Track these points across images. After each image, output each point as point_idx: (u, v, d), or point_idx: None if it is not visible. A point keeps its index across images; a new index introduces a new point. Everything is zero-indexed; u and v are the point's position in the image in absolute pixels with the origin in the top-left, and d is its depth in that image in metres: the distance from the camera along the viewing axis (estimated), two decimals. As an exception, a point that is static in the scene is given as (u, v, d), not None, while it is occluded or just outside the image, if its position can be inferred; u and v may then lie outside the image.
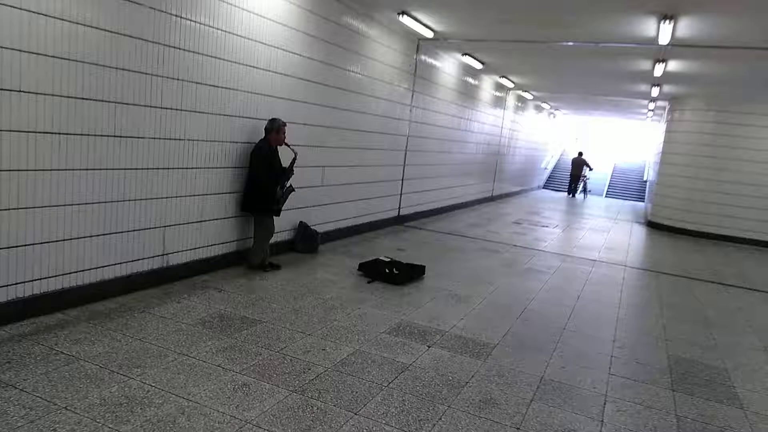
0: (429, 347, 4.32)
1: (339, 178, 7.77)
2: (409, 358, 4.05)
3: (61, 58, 3.82)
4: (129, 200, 4.55)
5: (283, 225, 6.68)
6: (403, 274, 6.10)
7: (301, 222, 6.97)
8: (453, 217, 11.95)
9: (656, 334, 5.31)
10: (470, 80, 12.42)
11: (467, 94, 12.40)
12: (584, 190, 21.82)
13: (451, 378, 3.80)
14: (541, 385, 3.83)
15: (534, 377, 3.96)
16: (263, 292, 5.25)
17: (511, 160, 17.70)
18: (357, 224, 8.46)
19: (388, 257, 6.64)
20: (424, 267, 6.50)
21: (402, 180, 9.84)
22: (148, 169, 4.68)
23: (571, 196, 21.19)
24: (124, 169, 4.46)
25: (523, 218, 13.14)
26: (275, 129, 5.75)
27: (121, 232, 4.54)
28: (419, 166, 10.41)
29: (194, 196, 5.26)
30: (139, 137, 4.55)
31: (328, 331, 4.42)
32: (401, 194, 9.91)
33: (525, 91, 16.38)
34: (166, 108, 4.77)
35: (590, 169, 21.65)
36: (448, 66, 10.95)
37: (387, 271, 6.09)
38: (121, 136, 4.38)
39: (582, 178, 21.42)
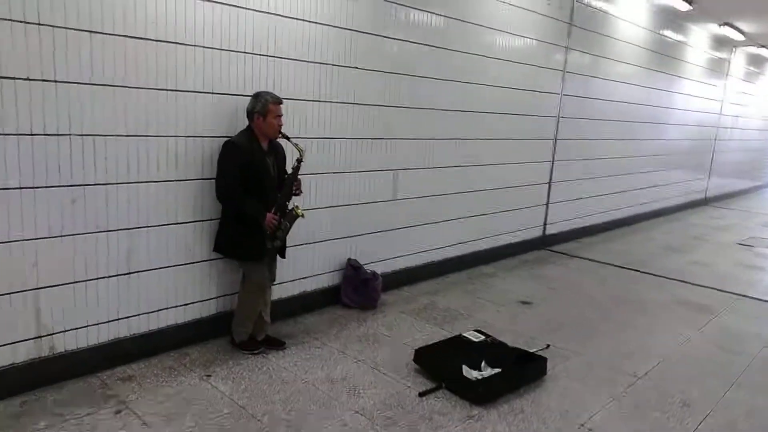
0: None
1: (428, 185, 4.99)
2: None
3: None
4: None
5: (320, 265, 4.22)
6: (496, 380, 3.18)
7: (349, 261, 4.39)
8: (636, 234, 8.17)
9: None
10: (669, 33, 8.40)
11: (665, 53, 8.40)
12: None
13: None
14: None
15: None
16: (189, 423, 2.79)
17: (737, 146, 12.60)
18: (464, 254, 5.55)
19: (481, 333, 3.72)
20: (545, 360, 3.44)
21: (549, 183, 6.60)
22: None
23: None
24: None
25: (758, 236, 8.65)
26: (259, 110, 3.26)
27: None
28: (579, 161, 7.02)
29: (106, 232, 3.05)
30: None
31: None
32: (547, 204, 6.68)
33: (762, 47, 11.34)
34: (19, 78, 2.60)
35: None
36: (628, 7, 7.26)
37: (466, 370, 3.22)
38: None
39: None
